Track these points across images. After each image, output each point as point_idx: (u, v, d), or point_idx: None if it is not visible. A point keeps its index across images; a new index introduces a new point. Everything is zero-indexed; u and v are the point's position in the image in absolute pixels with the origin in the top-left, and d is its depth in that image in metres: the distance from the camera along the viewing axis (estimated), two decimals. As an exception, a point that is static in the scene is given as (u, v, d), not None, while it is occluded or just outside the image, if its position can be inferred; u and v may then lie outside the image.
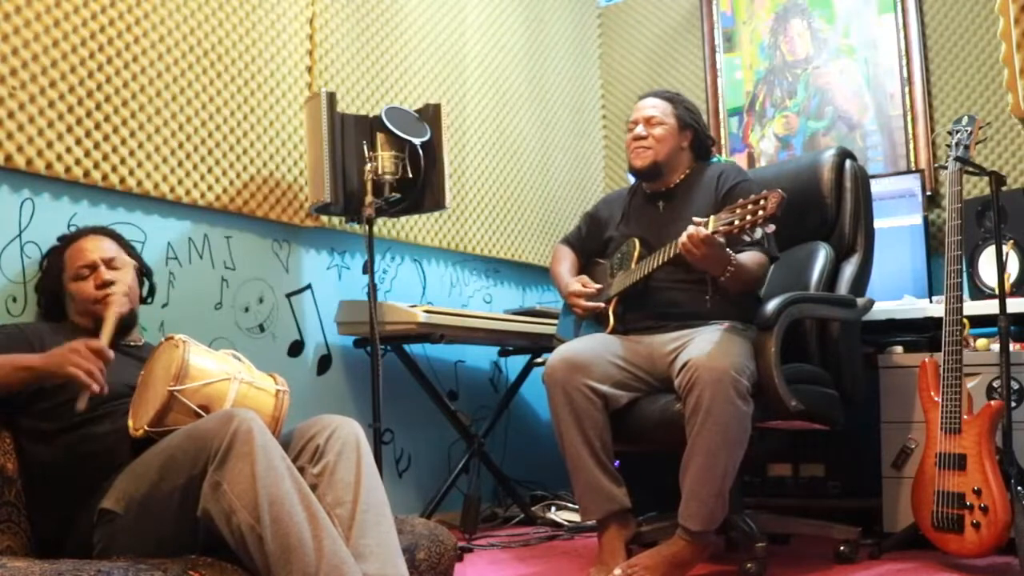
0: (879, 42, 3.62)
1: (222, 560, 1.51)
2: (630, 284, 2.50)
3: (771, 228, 2.15)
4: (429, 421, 3.36)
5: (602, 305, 2.57)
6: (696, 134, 2.64)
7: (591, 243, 2.81)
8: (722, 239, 2.18)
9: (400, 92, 3.37)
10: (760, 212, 2.07)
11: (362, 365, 3.08)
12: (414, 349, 3.27)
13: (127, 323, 2.01)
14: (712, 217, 2.17)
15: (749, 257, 2.36)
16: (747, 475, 2.75)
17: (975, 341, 2.64)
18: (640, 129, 2.59)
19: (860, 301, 2.55)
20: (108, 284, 1.97)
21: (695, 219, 2.21)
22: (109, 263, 2.02)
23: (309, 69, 3.06)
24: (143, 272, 2.15)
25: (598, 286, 2.63)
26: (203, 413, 1.68)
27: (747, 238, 2.13)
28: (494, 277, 3.84)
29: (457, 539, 2.15)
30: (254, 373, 1.81)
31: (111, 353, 1.73)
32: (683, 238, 2.20)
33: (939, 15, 3.48)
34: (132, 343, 2.06)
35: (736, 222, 2.11)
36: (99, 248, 2.04)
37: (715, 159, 2.74)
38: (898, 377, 2.68)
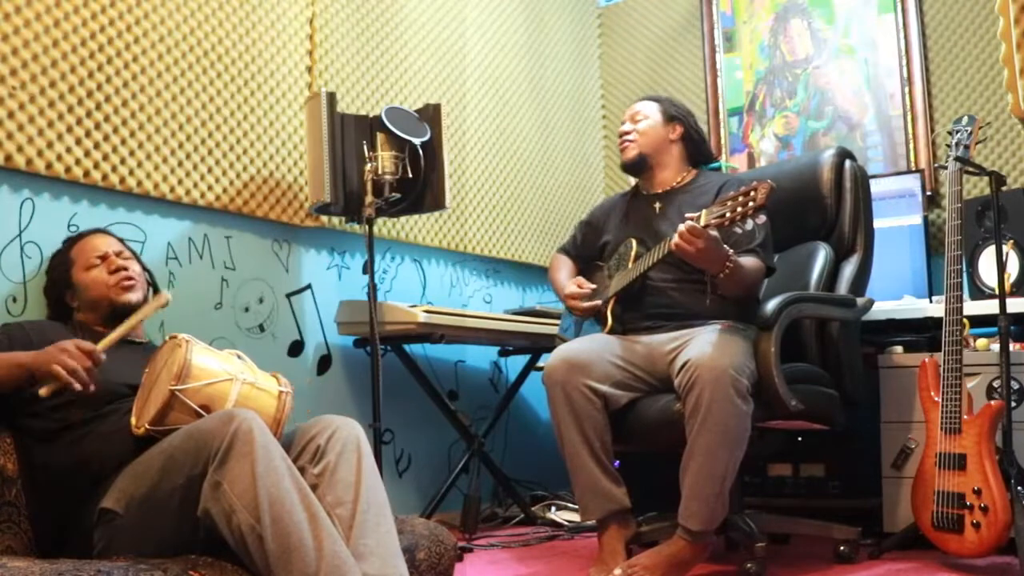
0: (879, 42, 3.62)
1: (222, 560, 1.51)
2: (627, 283, 2.50)
3: (761, 219, 2.16)
4: (429, 421, 3.36)
5: (599, 303, 2.57)
6: (686, 129, 2.64)
7: (587, 249, 2.81)
8: (715, 233, 2.18)
9: (400, 92, 3.37)
10: (750, 203, 2.07)
11: (362, 365, 3.08)
12: (414, 349, 3.27)
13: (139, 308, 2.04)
14: (704, 211, 2.18)
15: (747, 260, 2.36)
16: (747, 475, 2.75)
17: (975, 341, 2.63)
18: (626, 126, 2.67)
19: (860, 301, 2.54)
20: (122, 268, 2.04)
21: (687, 215, 2.23)
22: (119, 254, 2.08)
23: (309, 69, 3.06)
24: (145, 272, 2.16)
25: (593, 286, 2.64)
26: (204, 413, 1.68)
27: (738, 229, 2.14)
28: (494, 277, 3.84)
29: (457, 539, 2.15)
30: (257, 373, 1.81)
31: (102, 356, 1.73)
32: (676, 236, 2.20)
33: (939, 15, 3.48)
34: (136, 339, 2.07)
35: (727, 214, 2.11)
36: (107, 242, 2.11)
37: (717, 164, 2.74)
38: (898, 377, 2.68)
